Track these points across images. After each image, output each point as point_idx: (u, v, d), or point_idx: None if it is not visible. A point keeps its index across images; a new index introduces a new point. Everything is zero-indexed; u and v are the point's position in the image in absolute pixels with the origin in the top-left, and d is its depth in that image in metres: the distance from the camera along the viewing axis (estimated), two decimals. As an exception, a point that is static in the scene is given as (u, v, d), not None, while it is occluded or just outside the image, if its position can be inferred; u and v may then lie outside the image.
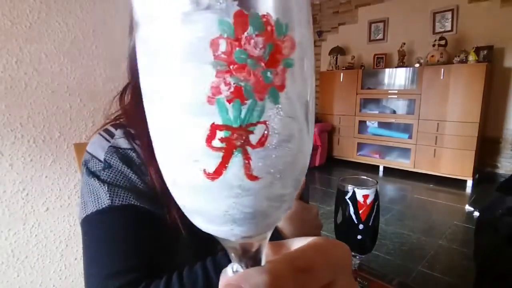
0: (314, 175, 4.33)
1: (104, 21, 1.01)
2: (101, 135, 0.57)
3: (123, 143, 0.54)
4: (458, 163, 3.80)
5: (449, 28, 4.04)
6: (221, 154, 0.14)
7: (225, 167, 0.14)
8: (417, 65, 4.09)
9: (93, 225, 0.50)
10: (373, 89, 4.60)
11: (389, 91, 4.42)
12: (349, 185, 0.57)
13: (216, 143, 0.13)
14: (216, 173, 0.14)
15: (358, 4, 4.83)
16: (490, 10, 3.74)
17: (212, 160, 0.14)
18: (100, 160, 0.53)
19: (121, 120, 0.60)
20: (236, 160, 0.14)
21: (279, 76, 0.13)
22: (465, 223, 2.81)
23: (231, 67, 0.13)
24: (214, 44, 0.12)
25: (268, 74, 0.13)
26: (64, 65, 0.94)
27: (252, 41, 0.13)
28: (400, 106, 4.48)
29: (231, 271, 0.18)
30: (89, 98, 1.00)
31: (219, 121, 0.13)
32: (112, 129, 0.58)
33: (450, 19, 4.03)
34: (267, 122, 0.14)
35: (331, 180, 4.21)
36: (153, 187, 0.52)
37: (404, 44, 4.23)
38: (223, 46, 0.12)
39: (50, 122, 0.93)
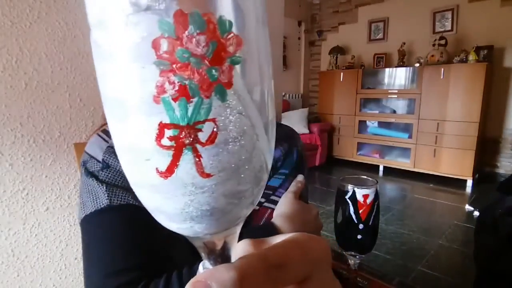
0: (314, 175, 4.33)
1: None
2: (99, 135, 0.57)
3: None
4: (458, 163, 3.81)
5: (449, 28, 4.04)
6: (171, 152, 0.14)
7: (176, 165, 0.14)
8: (417, 64, 4.09)
9: (92, 225, 0.50)
10: (373, 89, 4.60)
11: (389, 91, 4.42)
12: (349, 185, 0.57)
13: (165, 141, 0.14)
14: (168, 171, 0.14)
15: (358, 3, 4.83)
16: (490, 10, 3.74)
17: (163, 159, 0.14)
18: (98, 161, 0.53)
19: None
20: (187, 158, 0.14)
21: (226, 74, 0.13)
22: (465, 222, 2.81)
23: (174, 66, 0.13)
24: (156, 44, 0.13)
25: (213, 71, 0.13)
26: (64, 65, 0.94)
27: (194, 39, 0.13)
28: (400, 105, 4.49)
29: (202, 269, 0.19)
30: (89, 98, 1.00)
31: (166, 120, 0.13)
32: None
33: (450, 19, 4.03)
34: (215, 120, 0.14)
35: (331, 180, 4.21)
36: None
37: (404, 43, 4.23)
38: (164, 45, 0.13)
39: (50, 121, 0.93)
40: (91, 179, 0.52)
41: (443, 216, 3.01)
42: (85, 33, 0.97)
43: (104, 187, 0.50)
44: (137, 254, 0.48)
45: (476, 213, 2.91)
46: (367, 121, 4.69)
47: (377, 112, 4.58)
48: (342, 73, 4.74)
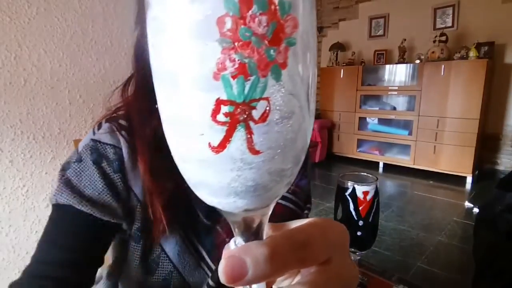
0: (314, 172, 4.33)
1: (103, 17, 1.01)
2: (93, 128, 0.57)
3: (105, 137, 0.54)
4: (458, 160, 3.81)
5: (450, 24, 4.02)
6: (225, 128, 0.14)
7: (229, 141, 0.14)
8: (417, 61, 4.08)
9: (50, 214, 0.52)
10: (373, 86, 4.59)
11: (390, 88, 4.41)
12: (349, 182, 0.57)
13: (220, 117, 0.14)
14: (220, 147, 0.15)
15: (359, -1, 4.80)
16: (491, 6, 3.72)
17: (217, 134, 0.14)
18: (78, 152, 0.54)
19: (120, 112, 0.59)
20: (239, 134, 0.14)
21: (282, 54, 0.14)
22: (465, 219, 2.82)
23: (236, 44, 0.13)
24: (220, 22, 0.13)
25: (271, 52, 0.14)
26: (63, 61, 0.94)
27: (257, 19, 0.13)
28: (400, 102, 4.48)
29: (234, 245, 0.19)
30: (89, 95, 1.00)
31: (224, 96, 0.14)
32: (103, 123, 0.58)
33: (451, 15, 4.01)
34: (269, 99, 0.14)
35: (331, 177, 4.21)
36: (115, 187, 0.52)
37: (405, 40, 4.22)
38: (228, 24, 0.13)
39: (50, 118, 0.93)
40: (60, 171, 0.53)
41: (442, 212, 3.02)
42: (84, 29, 0.97)
43: (57, 184, 0.51)
44: (61, 252, 0.49)
45: (476, 210, 2.91)
46: (367, 118, 4.69)
47: (377, 109, 4.58)
48: (342, 70, 4.72)
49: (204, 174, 0.16)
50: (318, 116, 5.00)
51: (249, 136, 0.14)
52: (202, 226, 0.58)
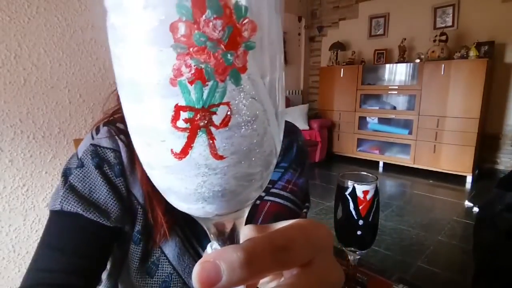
0: (314, 171, 4.34)
1: (103, 16, 1.00)
2: (91, 132, 0.57)
3: (104, 142, 0.54)
4: (458, 159, 3.81)
5: (450, 24, 4.02)
6: (186, 134, 0.14)
7: (191, 147, 0.14)
8: (417, 60, 4.08)
9: (48, 220, 0.51)
10: (374, 85, 4.59)
11: (390, 87, 4.41)
12: (349, 181, 0.57)
13: (180, 123, 0.14)
14: (183, 153, 0.14)
15: (359, -1, 4.80)
16: (491, 5, 3.72)
17: (178, 140, 0.14)
18: (78, 158, 0.54)
19: (117, 116, 0.59)
20: (201, 140, 0.14)
21: (240, 58, 0.14)
22: (465, 218, 2.82)
23: (191, 49, 0.13)
24: (173, 28, 0.13)
25: (228, 56, 0.13)
26: (63, 60, 0.94)
27: (211, 24, 0.13)
28: (400, 102, 4.48)
29: (210, 249, 0.19)
30: (89, 94, 1.00)
31: (182, 102, 0.14)
32: (101, 127, 0.58)
33: (451, 14, 4.01)
34: (229, 103, 0.14)
35: (331, 176, 4.21)
36: (118, 191, 0.52)
37: (405, 39, 4.21)
38: (182, 29, 0.13)
39: (50, 117, 0.93)
40: (62, 177, 0.52)
41: (442, 212, 3.02)
42: (84, 29, 0.97)
43: (62, 191, 0.50)
44: (65, 260, 0.48)
45: (476, 209, 2.91)
46: (367, 117, 4.69)
47: (377, 108, 4.58)
48: (342, 69, 4.72)
49: (170, 180, 0.16)
50: (317, 116, 5.00)
51: (211, 141, 0.14)
52: (201, 227, 0.58)
